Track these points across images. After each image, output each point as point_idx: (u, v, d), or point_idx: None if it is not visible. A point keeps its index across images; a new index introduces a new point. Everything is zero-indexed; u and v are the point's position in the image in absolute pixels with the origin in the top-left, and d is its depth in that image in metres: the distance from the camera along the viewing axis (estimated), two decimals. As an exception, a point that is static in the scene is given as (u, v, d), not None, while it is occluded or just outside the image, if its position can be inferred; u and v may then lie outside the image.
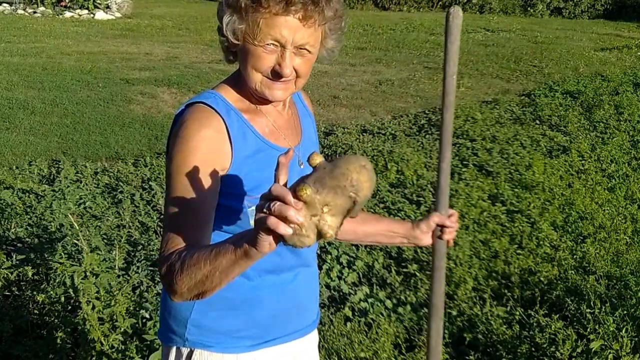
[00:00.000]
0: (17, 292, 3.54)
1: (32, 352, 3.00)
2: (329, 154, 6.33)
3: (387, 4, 24.01)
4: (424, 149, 6.53)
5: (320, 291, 3.59)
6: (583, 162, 6.25)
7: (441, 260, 1.72)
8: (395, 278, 3.90)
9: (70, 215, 4.28)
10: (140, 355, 2.90)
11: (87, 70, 10.41)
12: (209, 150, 1.42)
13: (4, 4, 18.22)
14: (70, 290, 3.18)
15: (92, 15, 17.81)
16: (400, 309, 3.58)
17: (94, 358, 2.88)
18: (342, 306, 3.60)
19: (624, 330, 3.12)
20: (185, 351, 1.59)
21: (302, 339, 1.70)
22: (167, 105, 8.54)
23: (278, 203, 1.01)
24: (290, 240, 1.03)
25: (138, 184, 5.47)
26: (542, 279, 3.93)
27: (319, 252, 3.68)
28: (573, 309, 3.48)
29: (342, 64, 11.81)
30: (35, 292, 3.40)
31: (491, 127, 7.39)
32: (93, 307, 2.94)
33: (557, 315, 3.31)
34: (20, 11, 18.00)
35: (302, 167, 1.59)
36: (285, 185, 1.06)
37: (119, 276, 3.57)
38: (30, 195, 5.06)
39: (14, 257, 3.72)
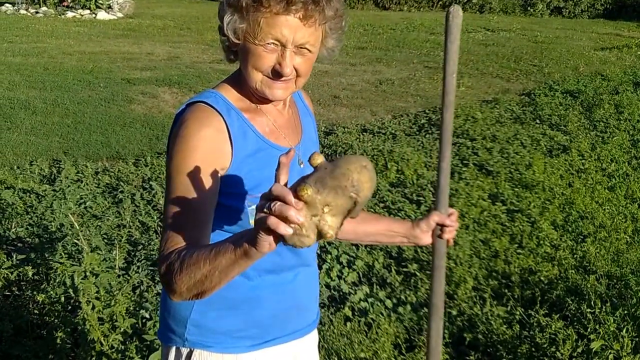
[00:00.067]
0: (17, 292, 3.54)
1: (32, 352, 3.00)
2: (329, 153, 6.33)
3: (388, 4, 24.01)
4: (424, 148, 6.53)
5: (320, 291, 3.59)
6: (583, 161, 6.25)
7: (441, 259, 1.72)
8: (395, 278, 3.90)
9: (70, 215, 4.28)
10: (140, 356, 2.90)
11: (88, 70, 10.42)
12: (209, 150, 1.42)
13: (7, 4, 18.23)
14: (71, 290, 3.18)
15: (94, 15, 17.82)
16: (400, 309, 3.57)
17: (93, 358, 2.88)
18: (342, 306, 3.60)
19: (624, 330, 3.12)
20: (184, 351, 1.59)
21: (302, 338, 1.70)
22: (168, 105, 8.54)
23: (278, 203, 1.01)
24: (291, 240, 1.03)
25: (139, 183, 5.47)
26: (542, 278, 3.93)
27: (319, 251, 3.68)
28: (573, 308, 3.48)
29: (342, 63, 11.81)
30: (35, 292, 3.40)
31: (491, 126, 7.39)
32: (93, 307, 2.94)
33: (558, 315, 3.31)
34: (22, 11, 18.01)
35: (302, 166, 1.59)
36: (285, 185, 1.06)
37: (119, 276, 3.57)
38: (31, 195, 5.06)
39: (14, 256, 3.72)
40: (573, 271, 4.03)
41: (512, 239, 4.50)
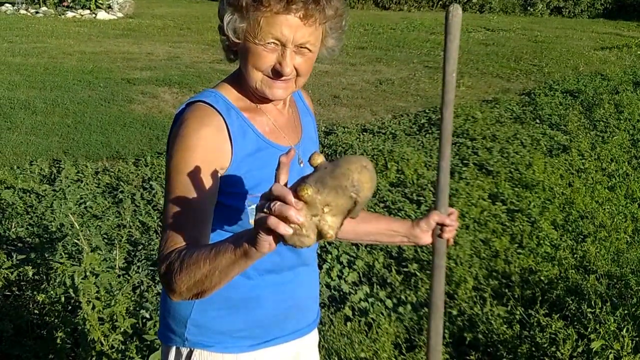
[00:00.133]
0: (17, 292, 3.53)
1: (32, 352, 3.00)
2: (330, 153, 6.33)
3: (388, 4, 24.01)
4: (424, 148, 6.53)
5: (321, 291, 3.58)
6: (583, 161, 6.25)
7: (441, 259, 1.72)
8: (395, 277, 3.89)
9: (70, 215, 4.28)
10: (140, 356, 2.89)
11: (88, 70, 10.42)
12: (208, 149, 1.42)
13: (7, 4, 18.24)
14: (71, 290, 3.18)
15: (94, 15, 17.82)
16: (400, 309, 3.57)
17: (94, 358, 2.88)
18: (342, 306, 3.60)
19: (624, 330, 3.12)
20: (185, 351, 1.59)
21: (302, 338, 1.70)
22: (168, 105, 8.54)
23: (278, 203, 1.01)
24: (291, 240, 1.03)
25: (139, 183, 5.47)
26: (542, 278, 3.93)
27: (319, 251, 3.68)
28: (574, 308, 3.48)
29: (342, 63, 11.81)
30: (35, 292, 3.40)
31: (491, 126, 7.39)
32: (93, 307, 2.94)
33: (558, 315, 3.31)
34: (22, 11, 18.02)
35: (302, 165, 1.59)
36: (285, 184, 1.06)
37: (119, 276, 3.57)
38: (31, 195, 5.06)
39: (15, 256, 3.72)
40: (573, 271, 4.03)
41: (512, 239, 4.49)
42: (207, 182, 1.40)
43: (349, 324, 3.41)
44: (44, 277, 3.61)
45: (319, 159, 1.06)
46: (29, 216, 4.65)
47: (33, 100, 8.43)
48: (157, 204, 4.93)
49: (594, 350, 3.03)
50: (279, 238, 1.05)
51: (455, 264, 3.99)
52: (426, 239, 1.75)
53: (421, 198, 5.13)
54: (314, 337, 1.78)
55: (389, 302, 3.62)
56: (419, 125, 7.69)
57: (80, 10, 18.01)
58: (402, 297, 3.69)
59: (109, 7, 18.43)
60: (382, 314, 3.51)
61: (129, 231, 4.41)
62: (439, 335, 1.76)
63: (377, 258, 4.07)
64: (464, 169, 5.80)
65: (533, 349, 3.17)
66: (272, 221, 1.01)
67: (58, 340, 2.98)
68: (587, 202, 5.20)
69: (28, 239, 4.26)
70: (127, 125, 7.50)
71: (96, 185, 5.41)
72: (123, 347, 2.91)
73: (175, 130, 1.46)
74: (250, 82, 1.48)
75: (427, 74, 11.18)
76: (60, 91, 8.98)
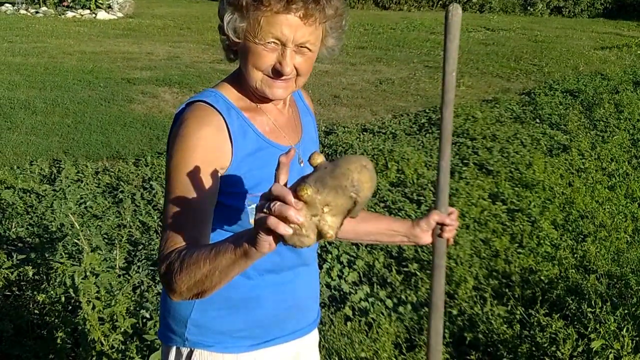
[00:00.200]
0: (17, 292, 3.54)
1: (33, 352, 3.00)
2: (330, 153, 6.33)
3: (388, 3, 24.01)
4: (425, 148, 6.53)
5: (321, 290, 3.58)
6: (583, 160, 6.25)
7: (441, 258, 1.72)
8: (395, 277, 3.89)
9: (71, 215, 4.28)
10: (140, 356, 2.89)
11: (88, 70, 10.42)
12: (209, 149, 1.42)
13: (7, 4, 18.24)
14: (71, 290, 3.18)
15: (94, 15, 17.83)
16: (400, 309, 3.57)
17: (94, 358, 2.88)
18: (342, 305, 3.60)
19: (625, 330, 3.11)
20: (185, 351, 1.59)
21: (302, 338, 1.70)
22: (169, 105, 8.54)
23: (278, 203, 1.01)
24: (290, 240, 1.03)
25: (139, 183, 5.47)
26: (542, 278, 3.93)
27: (319, 251, 3.69)
28: (574, 308, 3.48)
29: (342, 63, 11.81)
30: (35, 292, 3.40)
31: (491, 125, 7.39)
32: (93, 307, 2.94)
33: (558, 315, 3.31)
34: (22, 11, 18.02)
35: (302, 165, 1.59)
36: (285, 184, 1.06)
37: (119, 276, 3.57)
38: (31, 195, 5.06)
39: (15, 256, 3.72)
40: (573, 270, 4.03)
41: (512, 239, 4.49)
42: (207, 182, 1.40)
43: (349, 323, 3.41)
44: (44, 277, 3.61)
45: (319, 159, 1.05)
46: (29, 216, 4.65)
47: (33, 100, 8.43)
48: (157, 203, 4.93)
49: (594, 350, 3.03)
50: (279, 238, 1.05)
51: (455, 263, 3.99)
52: (426, 238, 1.75)
53: (421, 198, 5.13)
54: (314, 337, 1.78)
55: (389, 302, 3.62)
56: (419, 125, 7.69)
57: (80, 10, 18.01)
58: (403, 296, 3.69)
59: (109, 7, 18.43)
60: (383, 313, 3.51)
61: (129, 231, 4.41)
62: (439, 335, 1.76)
63: (378, 258, 4.07)
64: (464, 168, 5.80)
65: (533, 348, 3.17)
66: (272, 221, 1.01)
67: (58, 340, 2.98)
68: (587, 202, 5.19)
69: (28, 239, 4.26)
70: (127, 125, 7.50)
71: (96, 185, 5.41)
72: (123, 347, 2.91)
73: (175, 130, 1.45)
74: (250, 82, 1.48)
75: (427, 74, 11.18)
76: (60, 91, 8.98)
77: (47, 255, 3.76)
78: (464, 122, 7.43)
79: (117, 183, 5.44)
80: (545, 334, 3.19)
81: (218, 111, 1.46)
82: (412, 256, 4.10)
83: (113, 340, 2.89)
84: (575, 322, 3.35)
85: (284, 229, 1.01)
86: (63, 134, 7.09)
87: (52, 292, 3.30)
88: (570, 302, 3.52)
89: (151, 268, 3.85)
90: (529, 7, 24.14)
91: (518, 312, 3.49)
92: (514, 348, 3.19)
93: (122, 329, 2.93)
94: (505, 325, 3.38)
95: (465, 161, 6.04)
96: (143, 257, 3.98)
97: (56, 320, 3.15)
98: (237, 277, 1.21)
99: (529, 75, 11.33)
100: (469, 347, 3.28)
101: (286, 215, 1.00)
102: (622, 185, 5.65)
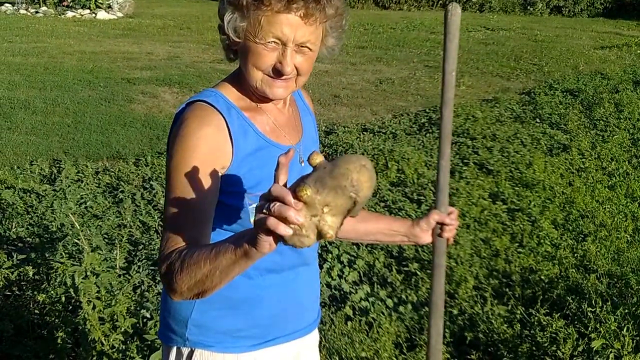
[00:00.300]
0: (17, 292, 3.54)
1: (33, 352, 3.00)
2: (330, 152, 6.33)
3: (388, 3, 24.01)
4: (425, 147, 6.53)
5: (321, 290, 3.59)
6: (583, 160, 6.25)
7: (441, 258, 1.72)
8: (396, 277, 3.89)
9: (71, 215, 4.28)
10: (141, 355, 2.89)
11: (88, 70, 10.42)
12: (209, 149, 1.42)
13: (6, 4, 18.24)
14: (71, 290, 3.18)
15: (94, 15, 17.83)
16: (401, 308, 3.57)
17: (94, 358, 2.88)
18: (343, 305, 3.60)
19: (625, 329, 3.11)
20: (185, 351, 1.59)
21: (302, 338, 1.70)
22: (169, 104, 8.54)
23: (278, 204, 1.01)
24: (290, 240, 1.03)
25: (139, 183, 5.47)
26: (543, 277, 3.93)
27: (319, 251, 3.68)
28: (574, 307, 3.48)
29: (342, 63, 11.81)
30: (36, 292, 3.40)
31: (491, 125, 7.39)
32: (94, 307, 2.94)
33: (558, 314, 3.31)
34: (22, 11, 18.02)
35: (302, 164, 1.59)
36: (285, 185, 1.06)
37: (119, 276, 3.57)
38: (32, 195, 5.06)
39: (15, 256, 3.72)
40: (574, 270, 4.03)
41: (512, 238, 4.50)
42: (208, 181, 1.40)
43: (349, 323, 3.41)
44: (45, 277, 3.61)
45: (318, 159, 1.05)
46: (30, 216, 4.65)
47: (33, 100, 8.43)
48: (157, 203, 4.93)
49: (594, 349, 3.03)
50: (279, 238, 1.05)
51: (455, 263, 3.99)
52: (426, 238, 1.75)
53: (421, 197, 5.13)
54: (314, 337, 1.78)
55: (389, 302, 3.62)
56: (419, 125, 7.69)
57: (80, 10, 18.01)
58: (403, 296, 3.69)
59: (109, 6, 18.43)
60: (383, 313, 3.51)
61: (130, 231, 4.41)
62: (440, 334, 1.76)
63: (378, 257, 4.07)
64: (464, 168, 5.80)
65: (534, 348, 3.17)
66: (272, 222, 1.01)
67: (59, 340, 2.98)
68: (588, 201, 5.19)
69: (28, 238, 4.26)
70: (127, 125, 7.50)
71: (96, 185, 5.41)
72: (124, 347, 2.91)
73: (175, 130, 1.45)
74: (250, 82, 1.48)
75: (427, 74, 11.18)
76: (60, 91, 8.98)
77: (47, 255, 3.76)
78: (464, 122, 7.43)
79: (117, 183, 5.44)
80: (545, 333, 3.19)
81: (218, 111, 1.46)
82: (413, 256, 4.10)
83: (113, 340, 2.89)
84: (576, 322, 3.35)
85: (283, 230, 1.01)
86: (63, 134, 7.09)
87: (52, 292, 3.30)
88: (571, 301, 3.52)
89: (151, 268, 3.85)
90: (528, 7, 24.14)
91: (518, 312, 3.49)
92: (515, 347, 3.19)
93: (123, 329, 2.93)
94: (506, 325, 3.38)
95: (466, 161, 6.04)
96: (143, 257, 3.98)
97: (56, 320, 3.15)
98: (238, 276, 1.21)
99: (529, 74, 11.33)
100: (469, 346, 3.28)
101: (286, 215, 1.00)
102: (622, 185, 5.65)
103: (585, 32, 18.02)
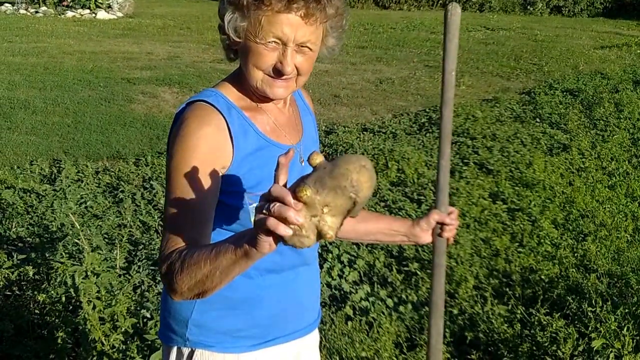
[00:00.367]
0: (18, 292, 3.54)
1: (33, 352, 3.00)
2: (330, 152, 6.33)
3: (388, 3, 24.02)
4: (425, 147, 6.53)
5: (321, 290, 3.59)
6: (583, 160, 6.25)
7: (441, 258, 1.72)
8: (396, 277, 3.89)
9: (71, 215, 4.27)
10: (141, 355, 2.89)
11: (88, 70, 10.42)
12: (209, 149, 1.42)
13: (6, 4, 18.24)
14: (71, 290, 3.18)
15: (93, 14, 17.83)
16: (401, 308, 3.57)
17: (94, 358, 2.88)
18: (343, 305, 3.60)
19: (625, 329, 3.11)
20: (186, 351, 1.59)
21: (303, 338, 1.70)
22: (169, 104, 8.54)
23: (277, 204, 1.01)
24: (290, 240, 1.03)
25: (139, 183, 5.47)
26: (543, 277, 3.93)
27: (320, 250, 3.68)
28: (574, 307, 3.48)
29: (342, 62, 11.81)
30: (36, 292, 3.40)
31: (491, 125, 7.39)
32: (94, 307, 2.94)
33: (559, 314, 3.31)
34: (22, 11, 18.02)
35: (303, 164, 1.59)
36: (285, 185, 1.06)
37: (120, 276, 3.57)
38: (32, 195, 5.06)
39: (15, 256, 3.72)
40: (574, 270, 4.03)
41: (512, 238, 4.50)
42: (208, 182, 1.40)
43: (349, 323, 3.41)
44: (45, 277, 3.62)
45: (318, 159, 1.05)
46: (30, 216, 4.65)
47: (33, 100, 8.43)
48: (157, 203, 4.93)
49: (594, 349, 3.03)
50: (279, 239, 1.05)
51: (455, 263, 3.99)
52: (426, 238, 1.75)
53: (422, 197, 5.13)
54: (314, 337, 1.78)
55: (389, 302, 3.62)
56: (419, 125, 7.69)
57: (80, 10, 18.01)
58: (403, 296, 3.69)
59: (109, 6, 18.43)
60: (383, 313, 3.51)
61: (130, 231, 4.41)
62: (440, 334, 1.76)
63: (378, 257, 4.07)
64: (464, 168, 5.80)
65: (534, 348, 3.17)
66: (272, 222, 1.01)
67: (59, 340, 2.98)
68: (588, 201, 5.19)
69: (28, 238, 4.26)
70: (127, 125, 7.50)
71: (96, 185, 5.41)
72: (124, 347, 2.91)
73: (175, 130, 1.45)
74: (251, 81, 1.48)
75: (427, 73, 11.18)
76: (60, 91, 8.98)
77: (47, 255, 3.76)
78: (464, 122, 7.43)
79: (117, 183, 5.44)
80: (545, 333, 3.19)
81: (218, 111, 1.46)
82: (413, 255, 4.10)
83: (114, 340, 2.89)
84: (576, 322, 3.35)
85: (283, 230, 1.01)
86: (63, 134, 7.09)
87: (52, 292, 3.30)
88: (571, 301, 3.52)
89: (152, 268, 3.85)
90: (528, 7, 24.15)
91: (518, 312, 3.49)
92: (515, 347, 3.19)
93: (123, 329, 2.93)
94: (506, 325, 3.38)
95: (466, 160, 6.04)
96: (143, 256, 3.98)
97: (57, 320, 3.15)
98: (238, 277, 1.21)
99: (529, 74, 11.33)
100: (469, 346, 3.28)
101: (286, 216, 1.00)
102: (623, 185, 5.65)
103: (585, 32, 18.02)
